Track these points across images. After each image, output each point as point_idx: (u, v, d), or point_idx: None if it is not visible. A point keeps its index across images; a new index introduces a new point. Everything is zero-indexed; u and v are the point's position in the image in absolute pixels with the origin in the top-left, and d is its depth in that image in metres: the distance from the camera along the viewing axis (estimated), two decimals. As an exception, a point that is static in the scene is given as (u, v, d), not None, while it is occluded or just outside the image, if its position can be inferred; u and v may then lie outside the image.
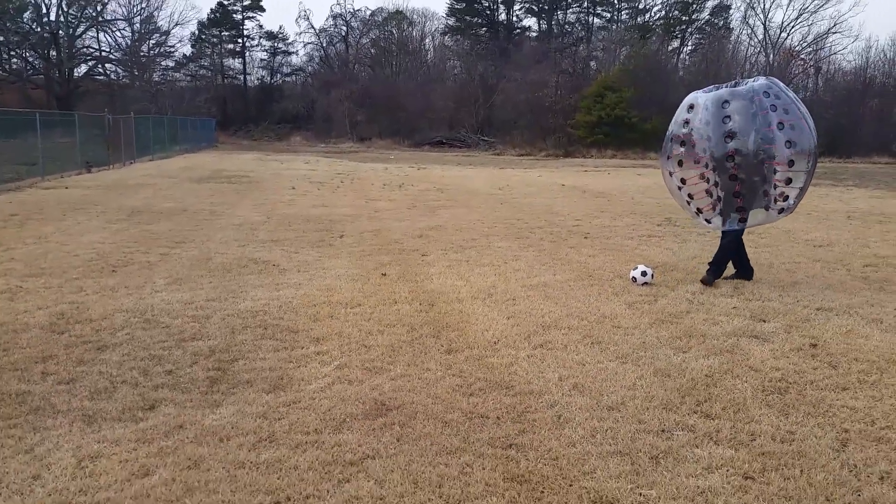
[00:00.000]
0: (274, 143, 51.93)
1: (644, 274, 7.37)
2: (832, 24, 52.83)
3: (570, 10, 64.35)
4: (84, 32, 56.65)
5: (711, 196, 7.35)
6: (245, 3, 64.53)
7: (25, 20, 53.27)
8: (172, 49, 60.97)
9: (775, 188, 7.10)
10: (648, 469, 3.40)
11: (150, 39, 59.05)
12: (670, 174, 7.63)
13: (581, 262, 8.68)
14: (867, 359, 5.06)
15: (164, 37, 59.44)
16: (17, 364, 4.67)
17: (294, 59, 67.84)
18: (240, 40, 65.38)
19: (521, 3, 65.09)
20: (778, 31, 54.46)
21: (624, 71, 47.06)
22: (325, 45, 65.22)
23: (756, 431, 3.83)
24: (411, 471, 3.34)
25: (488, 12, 65.56)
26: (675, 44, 60.31)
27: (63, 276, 7.35)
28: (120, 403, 4.04)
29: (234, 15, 64.73)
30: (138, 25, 57.67)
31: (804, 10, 53.75)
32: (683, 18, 59.88)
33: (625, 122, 43.03)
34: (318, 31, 64.58)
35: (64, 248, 9.03)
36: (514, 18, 65.85)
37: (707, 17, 59.78)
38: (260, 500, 3.06)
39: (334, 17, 63.64)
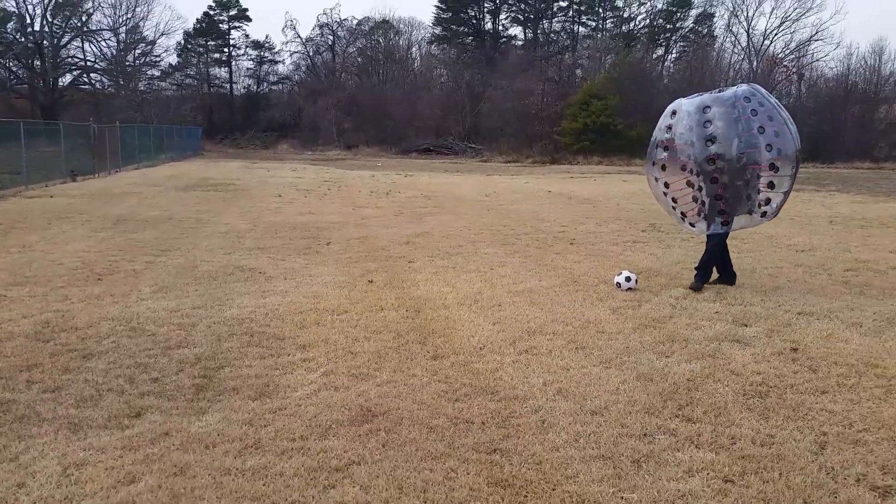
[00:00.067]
0: (260, 151, 51.84)
1: (628, 279, 7.44)
2: (814, 32, 53.49)
3: (556, 18, 64.76)
4: (69, 42, 56.48)
5: (697, 202, 7.46)
6: (231, 13, 64.46)
7: (9, 30, 53.05)
8: (158, 58, 60.90)
9: (759, 193, 7.24)
10: (630, 473, 3.45)
11: (135, 49, 58.95)
12: (656, 180, 7.74)
13: (566, 268, 8.74)
14: (846, 362, 5.14)
15: (149, 46, 59.39)
16: (1, 373, 4.66)
17: (281, 68, 67.85)
18: (226, 49, 65.28)
19: (506, 12, 65.44)
20: (761, 38, 55.15)
21: (609, 79, 47.42)
22: (311, 54, 65.25)
23: (736, 435, 3.88)
24: (396, 476, 3.37)
25: (474, 21, 65.82)
26: (660, 52, 60.86)
27: (48, 285, 7.33)
28: (106, 411, 4.04)
29: (220, 25, 64.63)
30: (124, 35, 57.61)
31: (786, 17, 54.32)
32: (667, 27, 60.41)
33: (610, 129, 43.37)
34: (304, 41, 64.59)
35: (49, 256, 9.00)
36: (500, 27, 66.18)
37: (691, 25, 60.38)
38: (246, 507, 3.08)
39: (321, 26, 63.66)
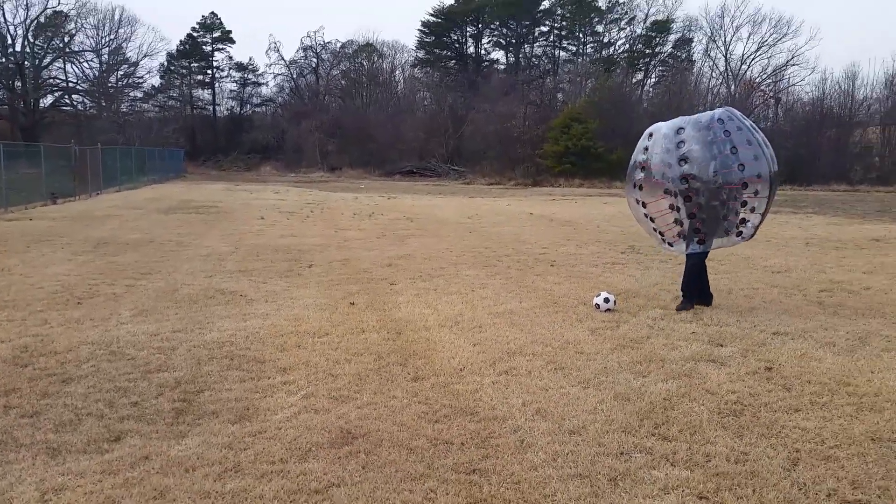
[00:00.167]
0: (243, 173, 51.83)
1: (607, 301, 7.54)
2: (790, 57, 54.30)
3: (537, 43, 65.65)
4: (51, 63, 56.34)
5: (677, 223, 7.61)
6: (214, 35, 64.71)
7: (-10, 51, 52.86)
8: (141, 80, 60.91)
9: (736, 214, 7.41)
10: (607, 491, 3.50)
11: (118, 70, 58.91)
12: (637, 202, 7.89)
13: (547, 290, 8.83)
14: (819, 381, 5.24)
15: (132, 68, 59.42)
16: (-22, 398, 4.63)
17: (264, 90, 68.10)
18: (209, 71, 65.45)
19: (489, 36, 66.30)
20: (739, 63, 56.14)
21: (590, 103, 48.06)
22: (295, 76, 65.56)
23: (711, 453, 3.95)
24: (376, 497, 3.39)
25: (457, 45, 66.55)
26: (639, 76, 61.84)
27: (27, 309, 7.29)
28: (85, 436, 4.04)
29: (204, 46, 64.83)
30: (106, 56, 57.57)
31: (763, 43, 55.37)
32: (647, 51, 61.42)
33: (591, 152, 43.86)
34: (288, 63, 64.91)
35: (28, 280, 8.95)
36: (483, 51, 66.99)
37: (670, 50, 61.42)
38: (225, 529, 3.09)
39: (304, 49, 64.07)
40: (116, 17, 56.91)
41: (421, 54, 65.76)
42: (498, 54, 67.25)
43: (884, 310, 7.76)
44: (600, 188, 39.24)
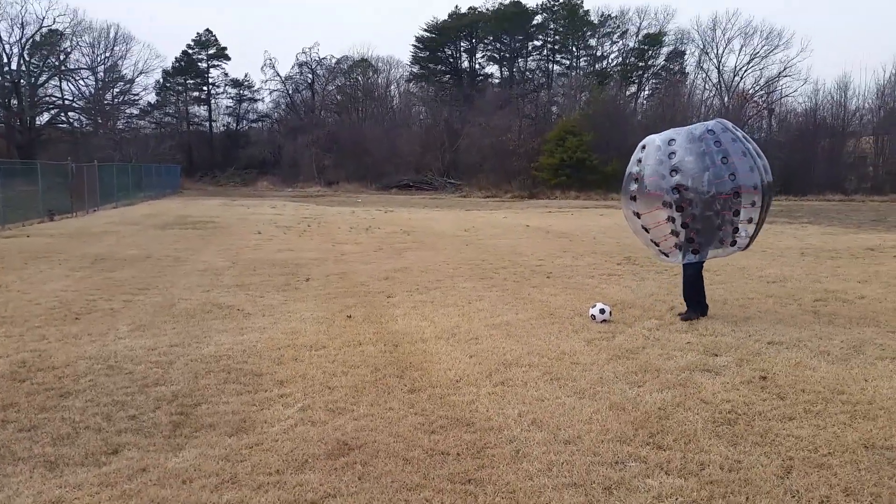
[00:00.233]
0: (240, 188, 51.91)
1: (602, 311, 7.58)
2: (782, 69, 54.61)
3: (531, 57, 66.06)
4: (47, 81, 56.46)
5: (676, 236, 7.69)
6: (210, 52, 64.94)
7: (-14, 70, 53.04)
8: (137, 97, 61.00)
9: (730, 224, 7.48)
10: (601, 499, 3.53)
11: (113, 88, 59.03)
12: (633, 213, 7.97)
13: (543, 301, 8.87)
14: (813, 389, 5.28)
15: (128, 85, 59.51)
16: (-24, 413, 4.65)
17: (260, 106, 68.25)
18: (205, 88, 65.58)
19: (483, 51, 66.69)
20: (731, 75, 56.53)
21: (584, 115, 48.38)
22: (291, 92, 65.77)
23: (705, 461, 3.98)
24: (372, 507, 3.42)
25: (451, 60, 66.91)
26: (633, 89, 62.15)
27: (25, 325, 7.31)
28: (83, 449, 4.06)
29: (199, 63, 65.03)
30: (102, 74, 57.70)
31: (755, 54, 55.75)
32: (640, 64, 61.83)
33: (586, 164, 44.09)
34: (283, 79, 65.14)
35: (25, 296, 8.96)
36: (477, 66, 67.35)
37: (663, 63, 61.85)
38: (222, 540, 3.11)
39: (300, 65, 64.30)
40: (111, 35, 57.15)
41: (416, 69, 66.11)
42: (492, 68, 67.74)
43: (878, 318, 7.81)
44: (596, 200, 39.38)
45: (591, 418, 4.64)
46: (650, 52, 61.28)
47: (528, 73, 65.99)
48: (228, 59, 65.58)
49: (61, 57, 55.85)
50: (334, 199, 40.64)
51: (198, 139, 64.58)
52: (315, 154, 55.82)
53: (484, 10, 64.09)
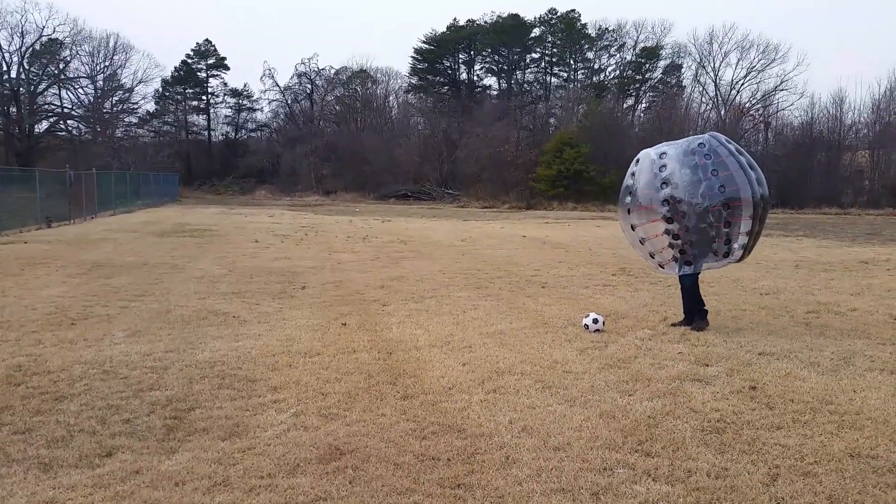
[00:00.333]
0: (238, 197, 52.01)
1: (595, 321, 7.64)
2: (779, 82, 54.91)
3: (529, 70, 66.46)
4: (46, 90, 56.62)
5: (673, 248, 7.77)
6: (209, 62, 65.21)
7: (-15, 78, 53.21)
8: (136, 106, 61.13)
9: (724, 235, 7.56)
10: (589, 504, 3.58)
11: (112, 96, 59.19)
12: (631, 227, 8.07)
13: (537, 311, 8.92)
14: (802, 399, 5.33)
15: (127, 94, 59.68)
16: (-29, 416, 4.68)
17: (259, 116, 68.50)
18: (204, 97, 65.84)
19: (481, 63, 67.09)
20: (728, 88, 56.80)
21: (581, 127, 48.61)
22: (289, 102, 66.01)
23: (692, 468, 4.03)
24: (362, 510, 3.46)
25: (450, 72, 67.27)
26: (630, 101, 62.47)
27: (21, 330, 7.34)
28: (77, 451, 4.10)
29: (199, 73, 65.31)
30: (101, 83, 57.86)
31: (752, 68, 56.05)
32: (637, 77, 62.16)
33: (583, 176, 44.29)
34: (282, 89, 65.40)
35: (22, 302, 9.00)
36: (475, 78, 67.71)
37: (660, 76, 62.19)
38: (213, 541, 3.15)
39: (299, 75, 64.57)
40: (111, 44, 57.35)
41: (414, 80, 66.43)
42: (490, 80, 68.11)
43: (869, 331, 7.87)
44: (593, 211, 39.51)
45: (581, 426, 4.69)
46: (647, 66, 61.65)
47: (525, 85, 66.35)
48: (227, 69, 65.93)
49: (61, 65, 56.03)
50: (332, 208, 40.73)
51: (196, 148, 64.77)
52: (313, 163, 55.99)
53: (482, 23, 64.50)
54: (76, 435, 4.37)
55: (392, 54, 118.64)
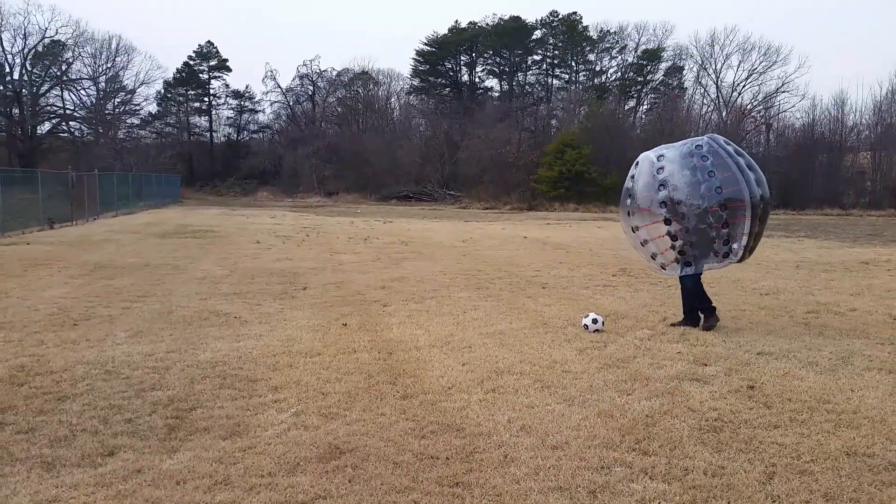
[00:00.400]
0: (240, 198, 52.11)
1: (595, 321, 7.67)
2: (780, 84, 54.91)
3: (530, 71, 66.55)
4: (48, 91, 56.81)
5: (674, 250, 7.82)
6: (211, 64, 65.37)
7: (-12, 80, 53.43)
8: (138, 107, 61.32)
9: (721, 235, 7.60)
10: (586, 502, 3.61)
11: (115, 98, 59.36)
12: (631, 229, 8.11)
13: (537, 311, 8.95)
14: (800, 399, 5.35)
15: (129, 95, 59.84)
16: (-25, 416, 4.73)
17: (261, 117, 68.67)
18: (206, 99, 66.00)
19: (482, 65, 67.18)
20: (730, 90, 56.81)
21: (583, 129, 48.65)
22: (291, 103, 66.12)
23: (689, 467, 4.06)
24: (361, 508, 3.50)
25: (451, 73, 67.36)
26: (632, 103, 62.50)
27: (24, 331, 7.39)
28: (79, 450, 4.14)
29: (201, 74, 65.47)
30: (103, 84, 58.04)
31: (753, 70, 56.06)
32: (638, 79, 62.20)
33: (585, 177, 44.34)
34: (284, 91, 65.50)
35: (25, 302, 9.05)
36: (477, 79, 67.83)
37: (661, 78, 62.22)
38: (214, 539, 3.19)
39: (301, 77, 64.70)
40: (113, 45, 57.56)
41: (416, 82, 66.57)
42: (492, 82, 68.21)
43: (868, 330, 7.90)
44: (595, 212, 39.54)
45: (579, 425, 4.72)
46: (649, 68, 61.70)
47: (527, 86, 66.45)
48: (230, 70, 66.13)
49: (63, 67, 56.27)
50: (334, 209, 40.80)
51: (198, 149, 64.93)
52: (315, 165, 56.10)
53: (484, 25, 64.64)
54: (78, 434, 4.41)
55: (394, 56, 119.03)
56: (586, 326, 7.68)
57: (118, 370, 5.90)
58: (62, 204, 25.28)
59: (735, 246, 7.62)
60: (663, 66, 61.62)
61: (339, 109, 65.55)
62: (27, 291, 9.98)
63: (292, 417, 4.81)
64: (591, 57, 64.24)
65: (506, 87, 66.65)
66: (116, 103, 59.78)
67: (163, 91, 63.78)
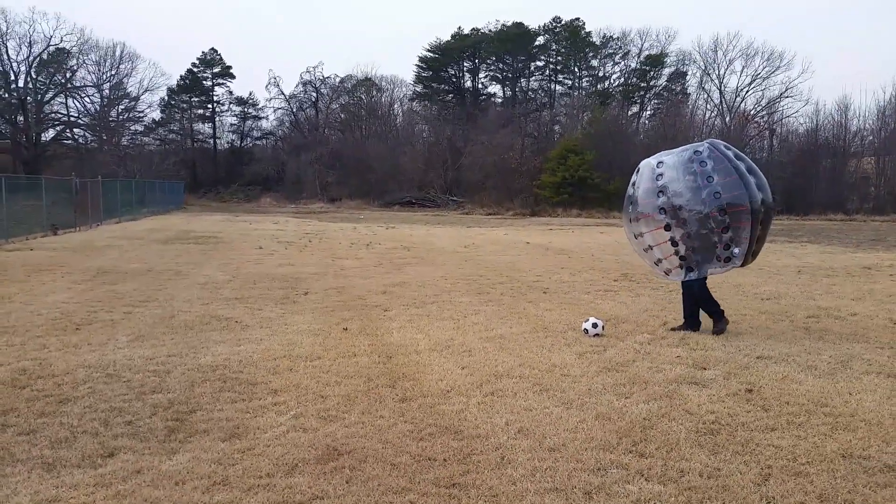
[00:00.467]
0: (243, 204, 52.24)
1: (595, 325, 7.69)
2: (784, 90, 54.95)
3: (533, 77, 66.72)
4: (53, 98, 57.15)
5: (677, 255, 7.85)
6: (215, 71, 65.61)
7: (-7, 88, 53.78)
8: (141, 114, 61.58)
9: (722, 240, 7.62)
10: (582, 503, 3.63)
11: (118, 105, 59.64)
12: (634, 236, 8.17)
13: (538, 316, 8.98)
14: (798, 402, 5.37)
15: (133, 102, 60.13)
16: (-23, 418, 4.77)
17: (264, 124, 68.83)
18: (209, 106, 66.25)
19: (485, 71, 67.35)
20: (733, 95, 56.84)
21: (586, 135, 48.71)
22: (294, 110, 66.32)
23: (685, 469, 4.08)
24: (358, 509, 3.52)
25: (454, 80, 67.53)
26: (635, 109, 62.58)
27: (26, 334, 7.44)
28: (80, 452, 4.18)
29: (204, 82, 65.73)
30: (107, 91, 58.34)
31: (756, 76, 56.13)
32: (642, 85, 62.28)
33: (588, 182, 44.37)
34: (287, 98, 65.68)
35: (28, 307, 9.10)
36: (480, 86, 67.97)
37: (664, 84, 62.28)
38: (212, 538, 3.22)
39: (304, 83, 64.88)
40: (117, 53, 57.87)
41: (419, 88, 66.72)
42: (495, 88, 68.35)
43: (868, 335, 7.91)
44: (598, 218, 39.57)
45: (576, 427, 4.74)
46: (652, 73, 61.80)
47: (530, 92, 66.59)
48: (233, 77, 66.35)
49: (67, 75, 56.60)
50: (337, 215, 40.88)
51: (202, 156, 65.13)
52: (318, 171, 56.25)
53: (487, 31, 64.82)
54: (79, 436, 4.45)
55: (397, 63, 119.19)
56: (586, 331, 7.70)
57: (119, 373, 5.94)
58: (66, 210, 25.39)
59: (737, 250, 7.64)
60: (666, 71, 61.82)
61: (342, 116, 65.71)
62: (30, 296, 10.03)
63: (291, 420, 4.84)
64: (594, 63, 64.43)
65: (509, 93, 66.79)
66: (120, 110, 60.10)
67: (166, 98, 64.10)
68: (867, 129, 49.76)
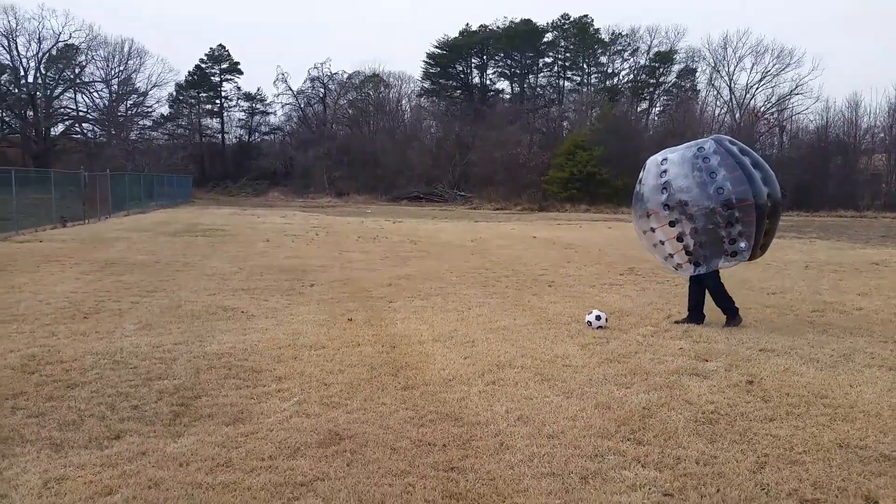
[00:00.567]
0: (251, 198, 52.44)
1: (598, 318, 7.73)
2: (794, 87, 54.67)
3: (542, 74, 66.58)
4: (62, 94, 57.58)
5: (684, 251, 7.89)
6: (223, 66, 65.80)
7: (3, 82, 54.14)
8: (150, 109, 61.89)
9: (729, 234, 7.65)
10: (577, 488, 3.69)
11: (127, 100, 59.97)
12: (643, 231, 8.20)
13: (542, 308, 9.02)
14: (798, 393, 5.40)
15: (141, 97, 60.46)
16: (-13, 401, 4.87)
17: (272, 119, 69.02)
18: (217, 101, 66.43)
19: (493, 67, 67.28)
20: (743, 92, 56.61)
21: (594, 131, 48.65)
22: (302, 105, 66.43)
23: (682, 456, 4.12)
24: (357, 490, 3.59)
25: (462, 76, 67.48)
26: (644, 105, 62.36)
27: (35, 323, 7.54)
28: (87, 434, 4.27)
29: (212, 77, 65.95)
30: (116, 87, 58.66)
31: (766, 73, 55.87)
32: (651, 81, 62.07)
33: (596, 178, 44.37)
34: (295, 93, 65.81)
35: (37, 297, 9.22)
36: (488, 82, 67.89)
37: (674, 80, 62.06)
38: (214, 517, 3.30)
39: (312, 79, 64.97)
40: (126, 49, 58.21)
41: (427, 84, 66.69)
42: (503, 84, 68.28)
43: (872, 329, 7.91)
44: (606, 213, 39.54)
45: (576, 415, 4.79)
46: (661, 70, 61.58)
47: (538, 88, 66.47)
48: (241, 73, 66.56)
49: (76, 70, 56.99)
50: (344, 209, 41.00)
51: (210, 150, 65.40)
52: (326, 166, 56.36)
53: (495, 28, 64.74)
54: (86, 419, 4.54)
55: (405, 59, 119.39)
56: (590, 323, 7.74)
57: (126, 360, 6.02)
58: (75, 203, 25.60)
59: (743, 245, 7.65)
60: (676, 68, 61.58)
61: (349, 111, 65.80)
62: (39, 286, 10.15)
63: (294, 406, 4.91)
64: (603, 59, 64.21)
65: (517, 89, 66.71)
66: (129, 105, 60.42)
67: (175, 93, 64.39)
68: (878, 127, 49.58)
